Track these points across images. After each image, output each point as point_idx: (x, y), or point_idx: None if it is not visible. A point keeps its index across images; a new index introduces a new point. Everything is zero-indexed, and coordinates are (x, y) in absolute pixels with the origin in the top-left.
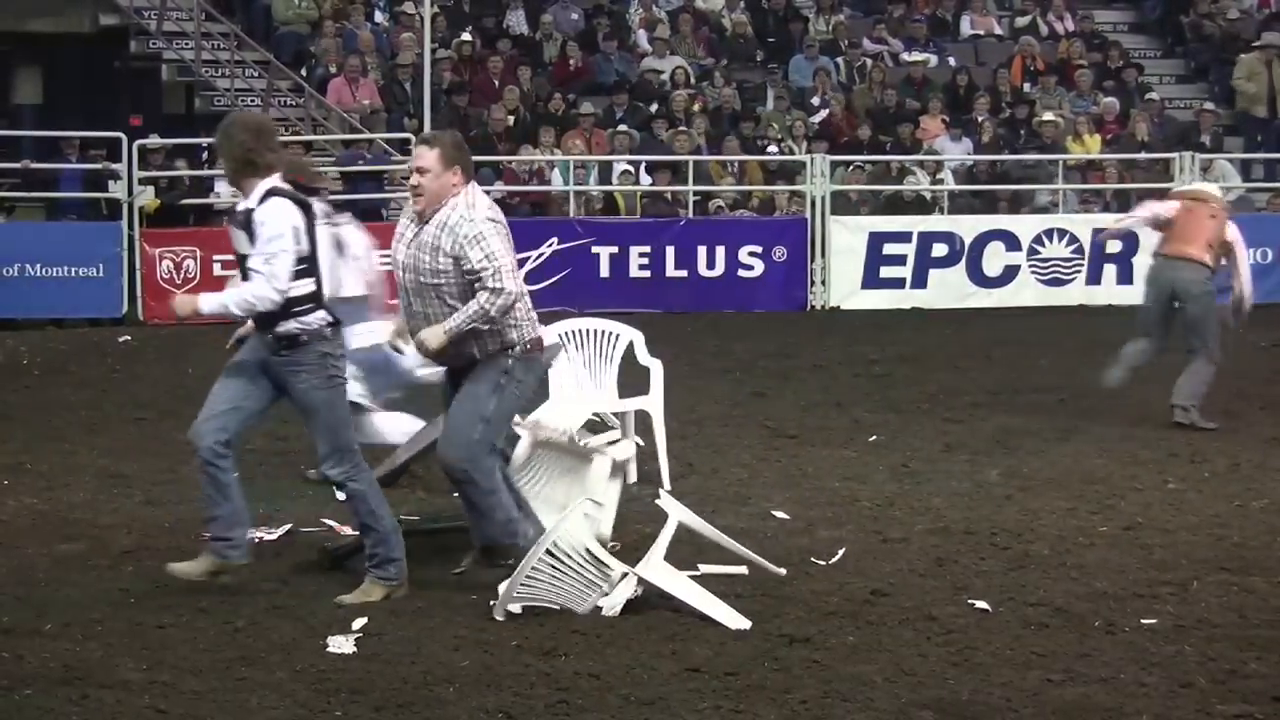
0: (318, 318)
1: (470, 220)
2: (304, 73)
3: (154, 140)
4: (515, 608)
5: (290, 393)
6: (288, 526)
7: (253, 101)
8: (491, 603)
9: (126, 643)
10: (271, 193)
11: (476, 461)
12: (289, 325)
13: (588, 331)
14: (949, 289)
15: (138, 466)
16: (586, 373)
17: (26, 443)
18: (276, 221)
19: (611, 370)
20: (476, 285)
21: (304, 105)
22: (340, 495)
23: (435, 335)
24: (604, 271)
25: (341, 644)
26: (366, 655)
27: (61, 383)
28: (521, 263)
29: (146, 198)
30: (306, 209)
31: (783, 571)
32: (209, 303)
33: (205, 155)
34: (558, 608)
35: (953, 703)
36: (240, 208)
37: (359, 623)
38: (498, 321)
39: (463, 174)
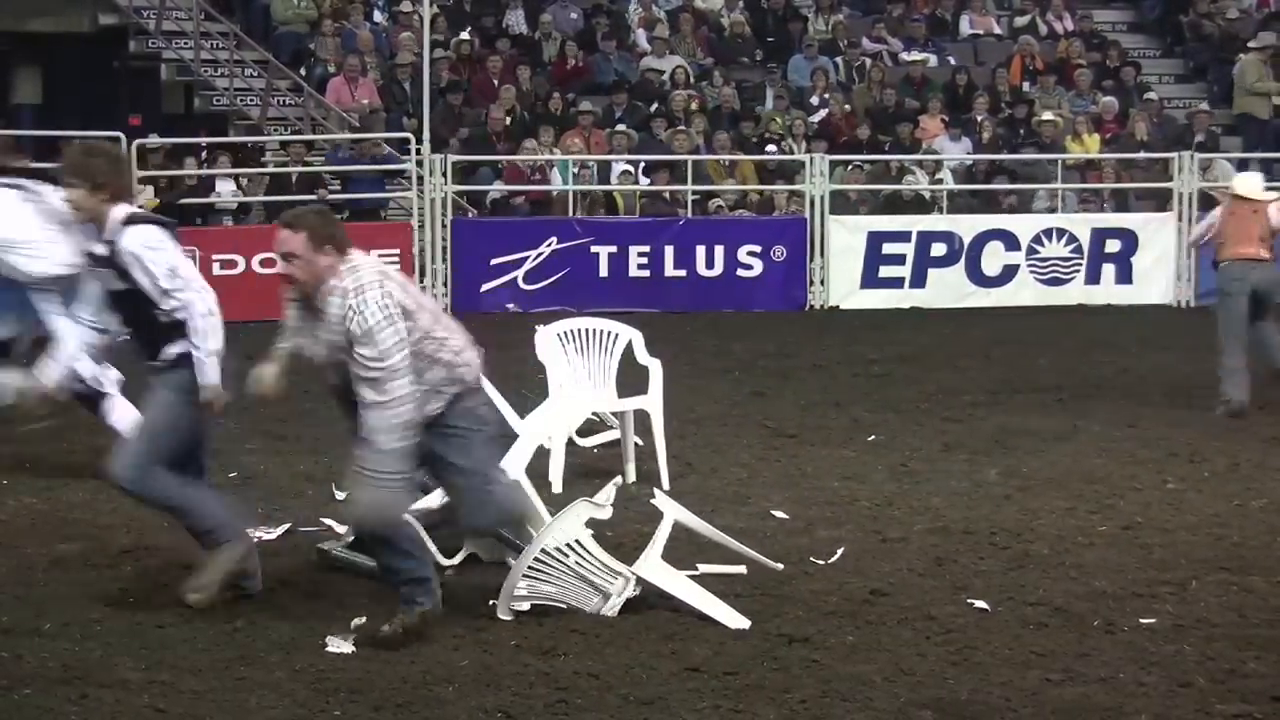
0: None
1: (359, 311)
2: (303, 72)
3: (153, 140)
4: (522, 606)
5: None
6: (287, 526)
7: (252, 101)
8: (491, 602)
9: (125, 642)
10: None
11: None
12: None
13: (587, 331)
14: (948, 288)
15: None
16: (585, 372)
17: (22, 445)
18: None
19: (611, 370)
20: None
21: (303, 105)
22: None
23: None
24: (603, 271)
25: (340, 644)
26: (365, 655)
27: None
28: (520, 263)
29: (145, 197)
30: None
31: (780, 567)
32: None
33: (205, 155)
34: (561, 606)
35: (952, 702)
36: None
37: (357, 622)
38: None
39: (335, 250)
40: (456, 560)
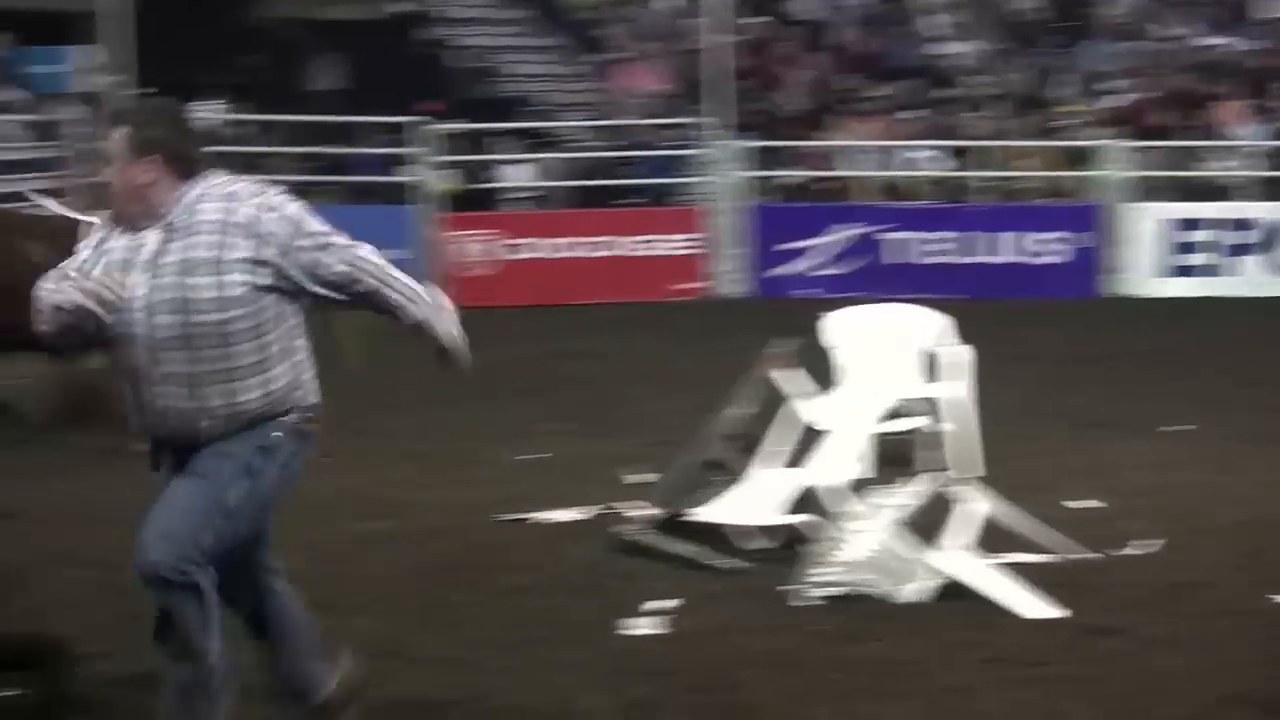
0: None
1: (266, 205)
2: (594, 57)
3: (451, 125)
4: (825, 593)
5: None
6: (590, 509)
7: (543, 87)
8: (793, 588)
9: (435, 619)
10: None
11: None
12: None
13: (889, 317)
14: (1249, 277)
15: (443, 446)
16: (887, 359)
17: (332, 422)
18: None
19: (914, 356)
20: (325, 272)
21: (594, 90)
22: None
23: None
24: (895, 257)
25: (641, 626)
26: (666, 638)
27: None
28: (814, 249)
29: (445, 182)
30: None
31: (1091, 556)
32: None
33: (498, 141)
34: (864, 593)
35: (1267, 699)
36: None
37: (655, 605)
38: (272, 366)
39: (168, 162)
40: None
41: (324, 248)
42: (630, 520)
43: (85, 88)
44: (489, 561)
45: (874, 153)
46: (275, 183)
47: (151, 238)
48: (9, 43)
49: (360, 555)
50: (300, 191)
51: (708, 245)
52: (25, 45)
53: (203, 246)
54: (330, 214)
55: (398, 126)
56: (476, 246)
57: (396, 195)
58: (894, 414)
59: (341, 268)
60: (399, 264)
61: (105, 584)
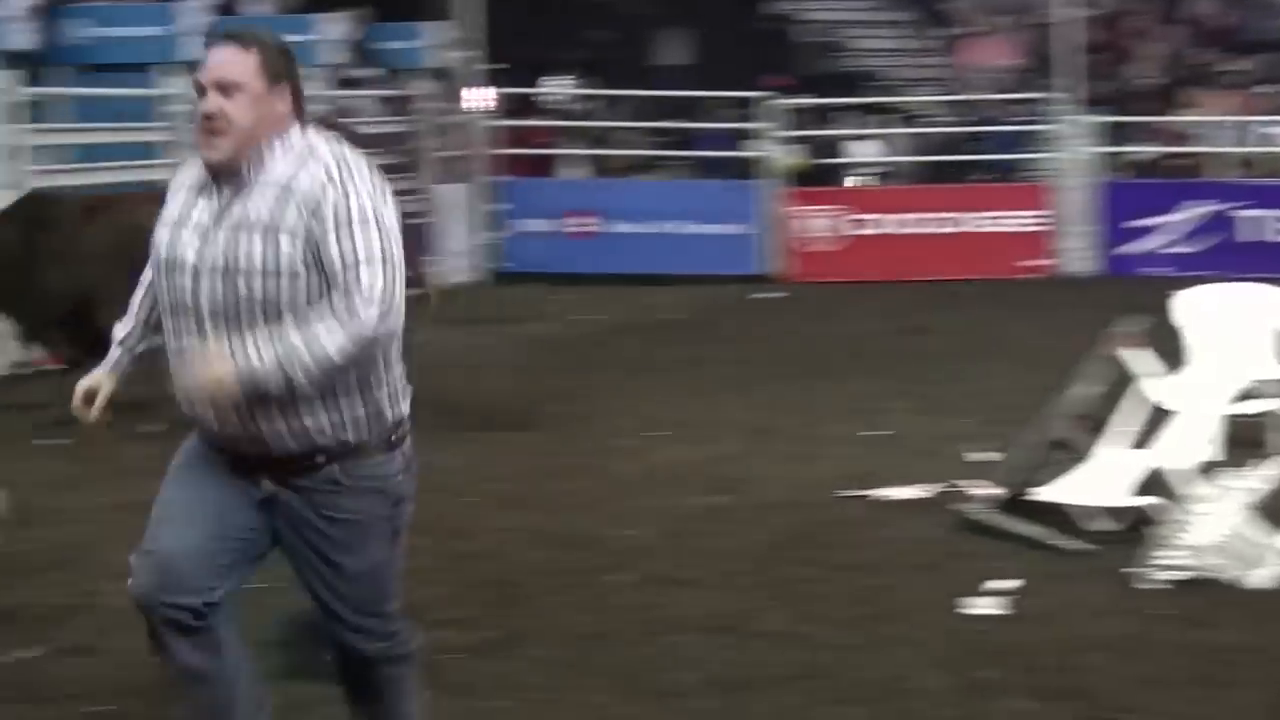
0: None
1: (336, 179)
2: (943, 31)
3: (799, 100)
4: (1163, 577)
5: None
6: (932, 486)
7: (890, 62)
8: (1134, 571)
9: (772, 594)
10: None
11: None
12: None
13: (1242, 296)
14: None
15: (783, 422)
16: (1237, 340)
17: (676, 396)
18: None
19: (1267, 337)
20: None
21: (942, 64)
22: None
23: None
24: (1249, 235)
25: (981, 606)
26: (1006, 618)
27: (708, 338)
28: (1168, 226)
29: (791, 157)
30: None
31: None
32: None
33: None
34: (1207, 579)
35: None
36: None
37: (996, 584)
38: (372, 372)
39: (293, 99)
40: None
41: (350, 266)
42: (972, 498)
43: (437, 63)
44: (828, 537)
45: (1229, 128)
46: (601, 159)
47: (221, 193)
48: (367, 19)
49: (699, 529)
50: (646, 166)
51: (1056, 222)
52: (381, 22)
53: (260, 206)
54: (676, 189)
55: (744, 101)
56: (821, 222)
57: (742, 170)
58: (1245, 395)
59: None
60: (743, 240)
61: (447, 552)
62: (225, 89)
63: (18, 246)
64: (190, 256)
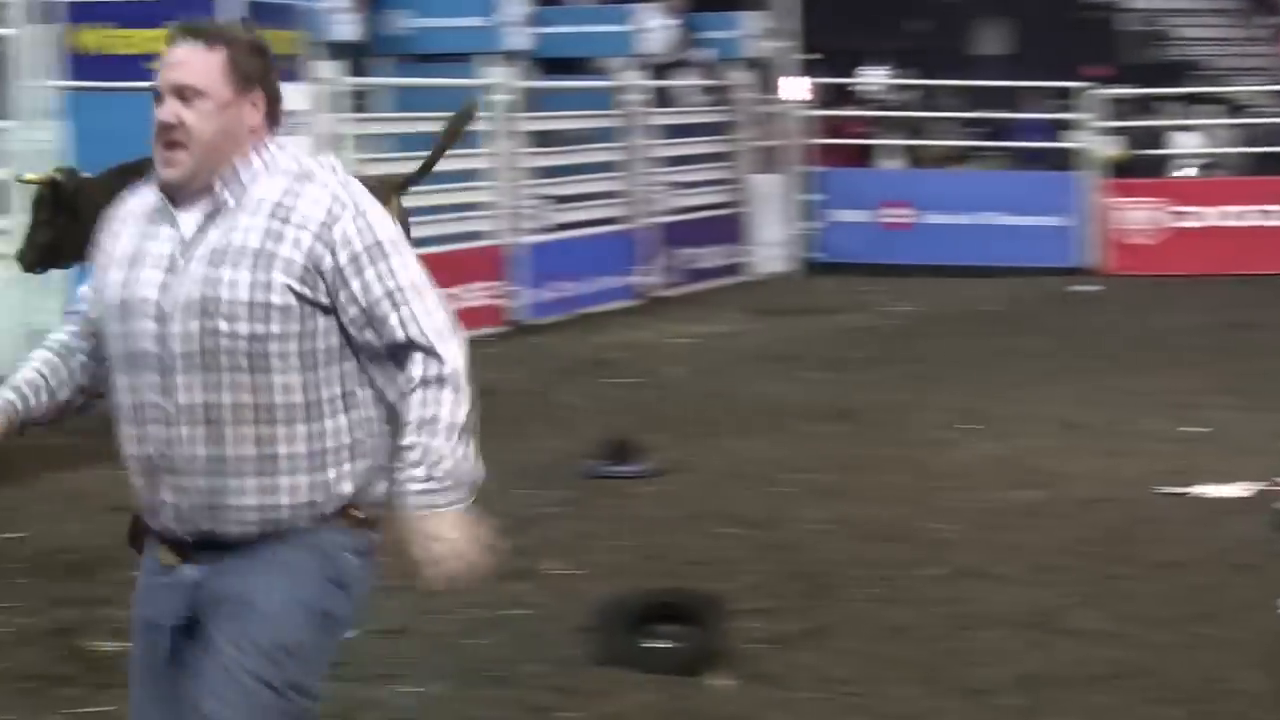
0: None
1: (344, 199)
2: (1270, 20)
3: (1120, 91)
4: None
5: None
6: (1253, 484)
7: (1214, 51)
8: None
9: (1084, 591)
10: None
11: None
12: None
13: None
14: None
15: (1098, 416)
16: None
17: (990, 389)
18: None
19: None
20: (398, 355)
21: (1269, 55)
22: None
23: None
24: None
25: None
26: None
27: (1022, 330)
28: None
29: (1113, 148)
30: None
31: None
32: None
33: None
34: None
35: None
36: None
37: None
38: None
39: (268, 106)
40: None
41: (399, 293)
42: None
43: (753, 54)
44: (1146, 535)
45: None
46: (928, 150)
47: (186, 219)
48: (685, 9)
49: (1010, 524)
50: (963, 156)
51: None
52: (698, 12)
53: (247, 231)
54: (993, 180)
55: (1064, 92)
56: (1141, 214)
57: (1060, 161)
58: None
59: (393, 329)
60: (1060, 232)
61: (756, 543)
62: (185, 95)
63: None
64: (153, 294)
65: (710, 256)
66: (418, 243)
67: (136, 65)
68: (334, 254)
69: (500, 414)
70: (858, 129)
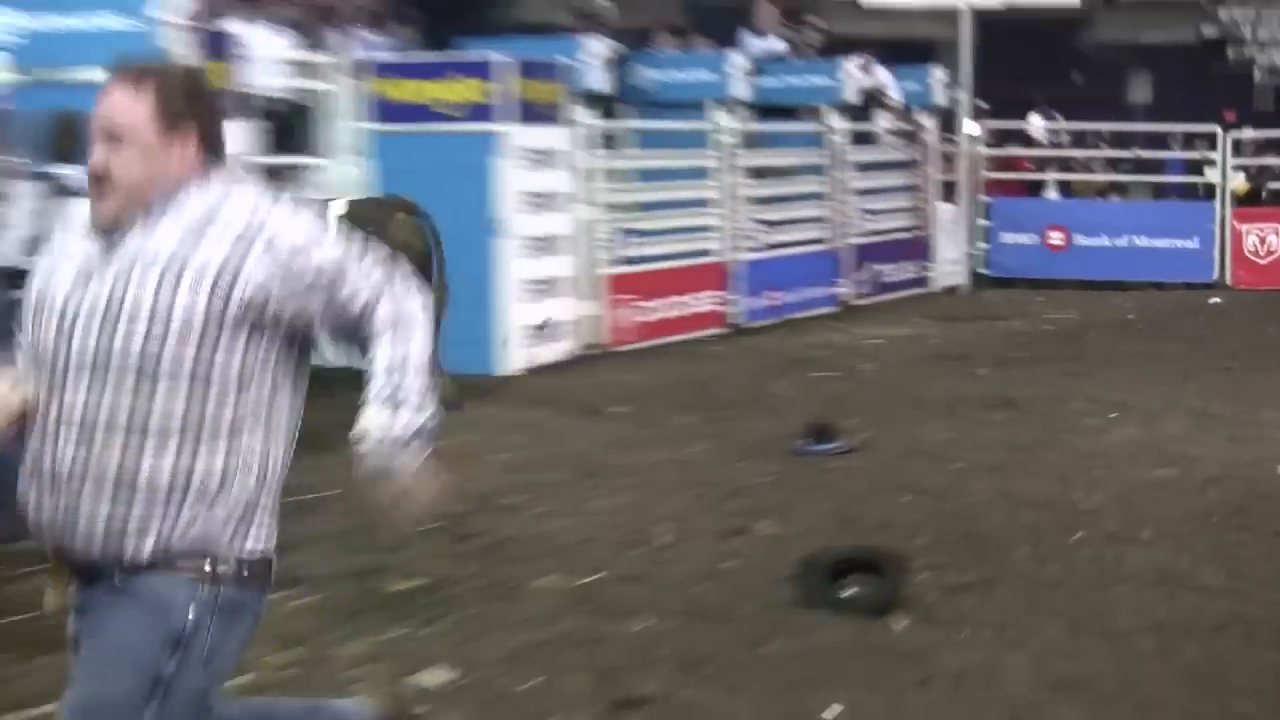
0: None
1: (270, 204)
2: None
3: (1246, 133)
4: None
5: None
6: None
7: None
8: None
9: (1209, 554)
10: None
11: None
12: None
13: None
14: None
15: (1224, 408)
16: None
17: (1132, 384)
18: None
19: None
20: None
21: None
22: None
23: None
24: None
25: None
26: None
27: (1162, 335)
28: None
29: (1237, 182)
30: None
31: None
32: None
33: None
34: None
35: None
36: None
37: None
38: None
39: (203, 142)
40: None
41: (340, 276)
42: None
43: (939, 102)
44: (1262, 508)
45: None
46: (1081, 183)
47: (111, 235)
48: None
49: (1147, 497)
50: (1113, 188)
51: None
52: (895, 66)
53: (163, 239)
54: (1138, 208)
55: (1201, 134)
56: (1263, 237)
57: (1196, 193)
58: None
59: (360, 303)
60: (1195, 252)
61: (934, 510)
62: (113, 137)
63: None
64: (60, 299)
65: (898, 271)
66: (657, 259)
67: (426, 111)
68: (267, 250)
69: (722, 401)
70: (1023, 165)
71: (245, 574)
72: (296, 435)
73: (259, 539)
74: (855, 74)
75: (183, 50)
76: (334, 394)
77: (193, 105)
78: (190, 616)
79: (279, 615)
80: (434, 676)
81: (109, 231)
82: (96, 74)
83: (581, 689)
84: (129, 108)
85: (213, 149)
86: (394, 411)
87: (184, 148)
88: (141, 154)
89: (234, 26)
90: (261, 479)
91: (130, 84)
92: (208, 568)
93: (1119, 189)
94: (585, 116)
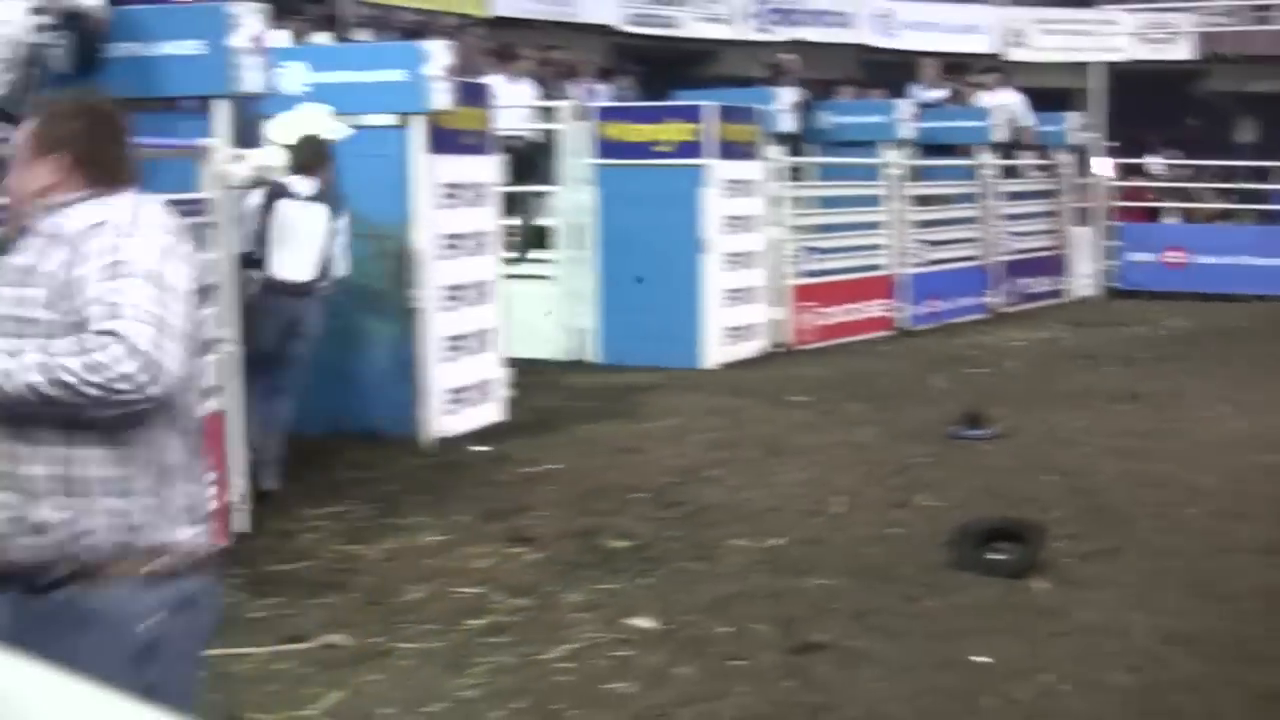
0: None
1: (111, 225)
2: None
3: None
4: None
5: None
6: None
7: None
8: None
9: None
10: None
11: None
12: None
13: None
14: None
15: None
16: None
17: (1241, 382)
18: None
19: None
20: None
21: None
22: None
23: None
24: None
25: None
26: None
27: (1269, 340)
28: None
29: None
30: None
31: None
32: None
33: None
34: None
35: None
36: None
37: None
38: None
39: (78, 166)
40: None
41: (108, 314)
42: None
43: (1074, 141)
44: None
45: None
46: (1188, 211)
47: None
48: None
49: (1256, 478)
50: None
51: None
52: (1038, 110)
53: (24, 252)
54: (1247, 232)
55: None
56: None
57: None
58: None
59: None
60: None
61: (1067, 487)
62: (10, 161)
63: None
64: None
65: (1039, 284)
66: (835, 272)
67: (644, 148)
68: (81, 263)
69: (888, 392)
70: (1147, 195)
71: (187, 564)
72: (199, 425)
73: (176, 524)
74: (1006, 116)
75: (445, 98)
76: (558, 385)
77: (71, 132)
78: (152, 621)
79: (513, 568)
80: (642, 622)
81: (4, 247)
82: (381, 119)
83: (767, 635)
84: (19, 133)
85: (90, 171)
86: (14, 357)
87: (53, 171)
88: (17, 174)
89: (487, 79)
90: (166, 472)
91: (32, 114)
92: (149, 566)
93: (1229, 215)
94: (776, 153)
